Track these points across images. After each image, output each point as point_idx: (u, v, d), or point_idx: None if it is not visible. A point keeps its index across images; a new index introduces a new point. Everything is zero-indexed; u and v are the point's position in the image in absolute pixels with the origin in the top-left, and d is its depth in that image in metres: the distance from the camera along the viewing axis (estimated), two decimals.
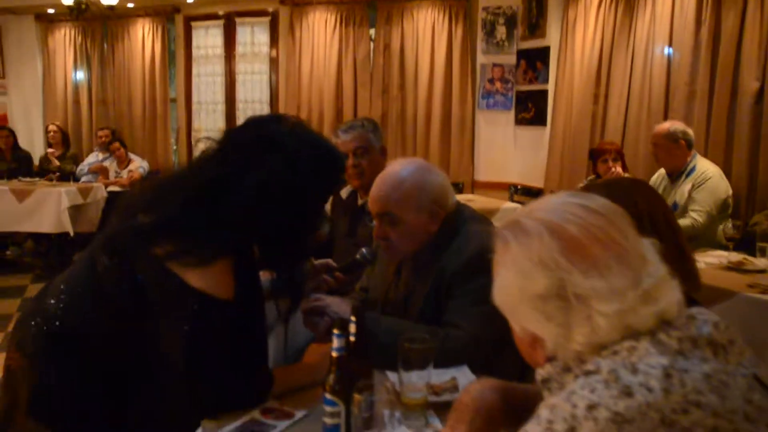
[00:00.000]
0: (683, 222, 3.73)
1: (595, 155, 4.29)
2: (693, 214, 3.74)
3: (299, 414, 1.38)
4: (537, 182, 5.81)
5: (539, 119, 5.83)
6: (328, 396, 1.20)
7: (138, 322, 1.35)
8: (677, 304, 0.85)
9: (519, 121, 6.07)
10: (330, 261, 1.94)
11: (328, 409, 1.20)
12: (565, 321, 0.84)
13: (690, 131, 3.87)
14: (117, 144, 6.68)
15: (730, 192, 3.84)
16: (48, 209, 5.64)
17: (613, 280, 0.82)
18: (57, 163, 6.57)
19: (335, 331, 1.20)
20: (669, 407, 0.72)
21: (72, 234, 5.73)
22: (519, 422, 1.10)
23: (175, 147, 7.50)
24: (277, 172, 1.34)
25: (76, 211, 5.80)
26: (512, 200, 5.64)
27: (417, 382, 1.48)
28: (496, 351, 1.82)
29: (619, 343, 0.81)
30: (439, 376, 1.53)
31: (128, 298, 1.35)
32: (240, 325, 1.38)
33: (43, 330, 1.40)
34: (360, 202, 2.84)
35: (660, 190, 4.08)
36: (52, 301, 1.42)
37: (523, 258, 0.87)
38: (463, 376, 1.58)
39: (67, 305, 1.41)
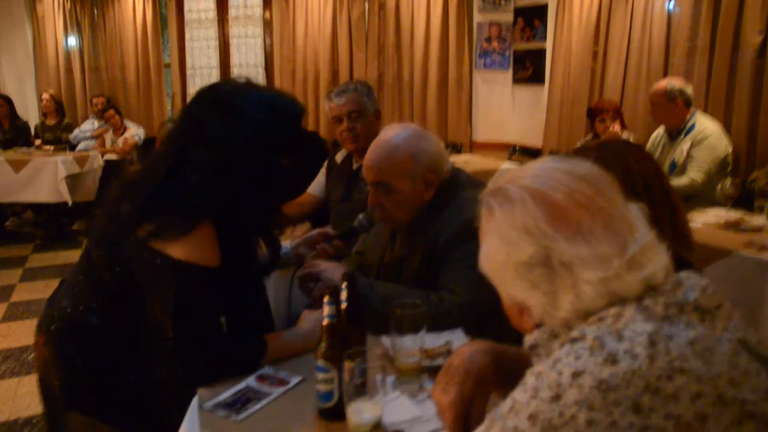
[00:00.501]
0: (682, 181, 3.71)
1: (593, 114, 4.25)
2: (691, 173, 3.72)
3: (294, 380, 1.39)
4: (535, 142, 5.77)
5: (537, 78, 5.76)
6: (319, 363, 1.20)
7: (132, 303, 1.39)
8: (664, 270, 0.84)
9: (517, 81, 5.99)
10: (328, 229, 1.94)
11: (320, 375, 1.21)
12: (550, 289, 0.83)
13: (688, 89, 3.82)
14: (112, 111, 6.61)
15: (730, 150, 3.80)
16: (45, 179, 5.63)
17: (598, 247, 0.81)
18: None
19: (326, 299, 1.20)
20: (654, 374, 0.72)
21: (70, 203, 5.73)
22: (510, 385, 1.11)
23: (170, 113, 7.44)
24: (229, 131, 1.37)
25: (73, 180, 5.79)
26: (510, 160, 5.60)
27: (410, 346, 1.50)
28: (492, 314, 1.84)
29: (605, 310, 0.81)
30: (434, 341, 1.54)
31: (120, 282, 1.40)
32: (230, 292, 1.41)
33: (61, 328, 1.47)
34: (355, 166, 2.82)
35: (659, 149, 4.05)
36: (64, 302, 1.49)
37: (507, 226, 0.86)
38: (458, 340, 1.59)
39: (76, 300, 1.47)
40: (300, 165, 1.56)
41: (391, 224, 1.89)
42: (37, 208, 6.16)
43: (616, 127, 4.15)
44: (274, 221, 1.59)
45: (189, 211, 1.34)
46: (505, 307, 0.96)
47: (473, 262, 1.72)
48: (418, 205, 1.80)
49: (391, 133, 1.82)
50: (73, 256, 5.59)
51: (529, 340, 0.92)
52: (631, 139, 4.20)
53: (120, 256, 1.38)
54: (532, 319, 0.89)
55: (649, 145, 4.16)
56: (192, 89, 7.31)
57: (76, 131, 6.75)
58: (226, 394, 1.33)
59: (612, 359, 0.73)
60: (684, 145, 3.83)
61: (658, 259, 0.84)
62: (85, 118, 7.18)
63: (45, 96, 6.67)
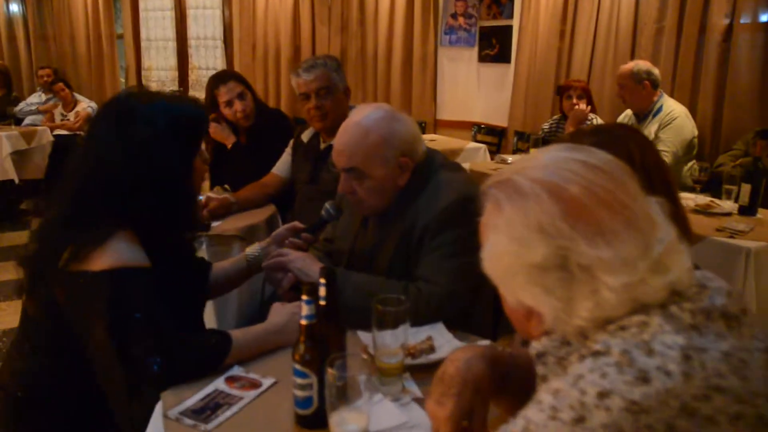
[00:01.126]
0: None
1: (561, 91, 4.23)
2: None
3: (266, 382, 1.29)
4: (501, 121, 5.72)
5: (503, 56, 5.68)
6: (298, 367, 1.10)
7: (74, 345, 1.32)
8: (688, 273, 0.76)
9: (482, 58, 5.90)
10: (296, 223, 1.82)
11: (298, 380, 1.11)
12: (566, 294, 0.75)
13: (655, 71, 3.81)
14: (61, 84, 6.25)
15: (696, 132, 3.82)
16: None
17: (621, 248, 0.72)
18: None
19: (304, 297, 1.09)
20: (689, 393, 0.64)
21: (17, 181, 5.44)
22: (508, 392, 1.04)
23: (124, 87, 7.13)
24: (133, 139, 1.35)
25: (20, 156, 5.50)
26: (475, 140, 5.54)
27: (391, 344, 1.41)
28: (470, 306, 1.76)
29: (628, 318, 0.73)
30: (414, 335, 1.46)
31: (56, 323, 1.35)
32: (170, 290, 1.35)
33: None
34: (323, 145, 2.70)
35: None
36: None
37: (518, 223, 0.77)
38: (439, 334, 1.51)
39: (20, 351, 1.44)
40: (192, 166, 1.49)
41: (363, 211, 1.79)
42: None
43: (582, 105, 4.12)
44: (191, 216, 1.52)
45: (97, 225, 1.31)
46: (509, 311, 0.87)
47: (453, 250, 1.67)
48: (392, 190, 1.71)
49: (362, 114, 1.70)
50: (20, 237, 5.32)
51: (536, 347, 0.84)
52: (597, 122, 4.19)
53: (50, 297, 1.32)
54: (541, 326, 0.81)
55: None
56: (147, 62, 7.01)
57: (21, 104, 6.39)
58: (193, 399, 1.22)
59: (643, 377, 0.65)
60: (652, 127, 3.83)
61: (681, 261, 0.76)
62: (32, 91, 6.79)
63: None
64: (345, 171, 1.69)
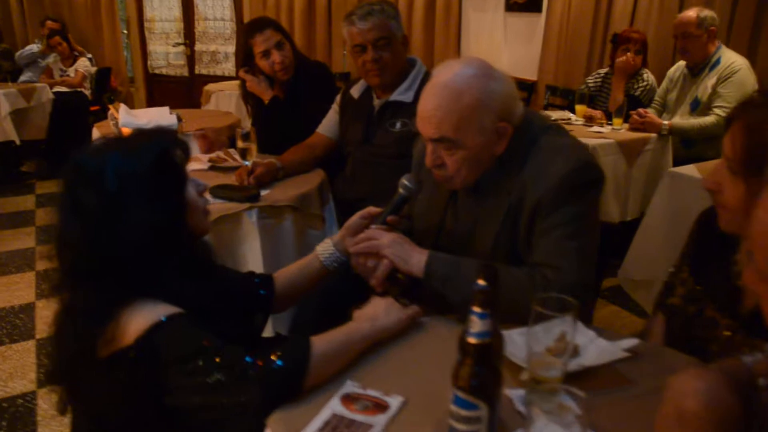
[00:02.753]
0: (707, 120, 3.45)
1: (619, 41, 3.87)
2: (718, 111, 3.45)
3: (393, 402, 1.04)
4: (530, 75, 5.39)
5: (534, 5, 5.31)
6: (462, 395, 0.85)
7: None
8: None
9: (510, 7, 5.53)
10: (371, 208, 1.54)
11: (462, 412, 0.86)
12: None
13: (717, 20, 3.51)
14: (57, 38, 5.86)
15: (757, 87, 3.53)
16: None
17: None
18: None
19: (477, 309, 0.83)
20: None
21: (18, 142, 5.12)
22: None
23: (126, 41, 6.71)
24: (89, 213, 1.10)
25: (19, 116, 5.16)
26: None
27: (520, 345, 1.19)
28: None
29: None
30: (544, 335, 1.21)
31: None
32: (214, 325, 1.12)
33: None
34: (377, 102, 2.40)
35: (678, 86, 3.76)
36: None
37: None
38: (571, 330, 1.27)
39: None
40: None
41: (450, 186, 1.51)
42: None
43: (637, 61, 3.80)
44: (186, 239, 1.23)
45: (104, 299, 1.09)
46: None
47: (577, 229, 1.38)
48: (487, 161, 1.44)
49: (450, 73, 1.40)
50: (25, 202, 5.03)
51: None
52: (652, 84, 3.89)
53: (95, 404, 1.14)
54: None
55: (665, 83, 3.86)
56: (150, 13, 6.58)
57: (21, 51, 5.97)
58: (310, 429, 0.97)
59: None
60: (709, 81, 3.55)
61: None
62: (26, 44, 6.36)
63: None
64: (433, 141, 1.42)
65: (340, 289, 1.69)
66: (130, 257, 1.09)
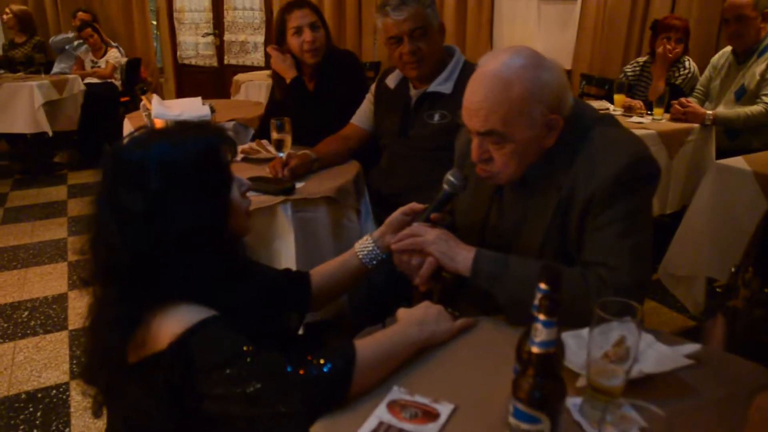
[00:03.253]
0: (754, 109, 3.32)
1: (659, 29, 3.73)
2: (766, 99, 3.31)
3: (444, 409, 0.99)
4: (564, 63, 5.23)
5: None
6: (523, 408, 0.79)
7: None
8: None
9: None
10: (414, 204, 1.48)
11: (522, 426, 0.80)
12: None
13: None
14: (89, 30, 5.89)
15: None
16: (20, 107, 5.03)
17: None
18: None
19: (541, 317, 0.77)
20: None
21: (50, 133, 5.16)
22: None
23: (156, 32, 6.72)
24: (129, 213, 1.04)
25: (52, 107, 5.19)
26: None
27: (576, 350, 1.13)
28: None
29: None
30: (602, 338, 1.15)
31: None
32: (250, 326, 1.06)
33: None
34: (413, 92, 2.33)
35: (722, 72, 3.62)
36: None
37: None
38: (632, 334, 1.20)
39: None
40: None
41: (496, 181, 1.44)
42: (12, 138, 5.56)
43: (678, 50, 3.67)
44: (226, 241, 1.17)
45: (136, 300, 1.05)
46: None
47: (631, 226, 1.30)
48: (536, 155, 1.37)
49: (498, 62, 1.32)
50: (57, 192, 5.08)
51: None
52: (695, 72, 3.75)
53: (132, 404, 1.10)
54: None
55: (709, 70, 3.73)
56: (179, 4, 6.57)
57: (54, 36, 6.01)
58: None
59: None
60: (757, 68, 3.41)
61: None
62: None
63: (7, 12, 5.87)
64: (480, 135, 1.35)
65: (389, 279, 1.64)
66: (168, 258, 1.04)
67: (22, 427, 2.28)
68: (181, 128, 1.14)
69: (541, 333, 0.78)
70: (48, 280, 3.49)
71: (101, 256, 1.07)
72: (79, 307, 3.17)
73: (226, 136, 1.14)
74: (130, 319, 1.03)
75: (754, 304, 1.24)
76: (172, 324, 1.01)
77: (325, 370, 0.98)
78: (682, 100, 3.42)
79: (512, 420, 0.81)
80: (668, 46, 3.65)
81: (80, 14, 6.10)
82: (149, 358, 1.02)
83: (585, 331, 1.02)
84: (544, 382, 0.78)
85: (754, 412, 0.74)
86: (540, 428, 0.79)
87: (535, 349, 0.79)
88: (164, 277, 1.05)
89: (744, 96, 3.46)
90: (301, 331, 1.61)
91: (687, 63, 3.76)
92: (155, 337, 1.02)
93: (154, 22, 6.84)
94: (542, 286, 0.81)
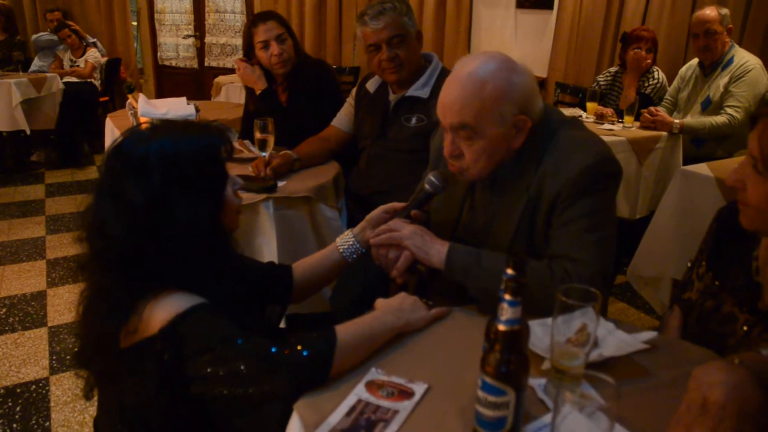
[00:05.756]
0: (718, 119, 3.46)
1: (630, 40, 3.87)
2: (730, 110, 3.47)
3: (418, 389, 1.06)
4: (540, 72, 5.39)
5: (545, 2, 5.31)
6: (490, 381, 0.87)
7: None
8: None
9: (521, 4, 5.53)
10: (395, 203, 1.56)
11: (489, 397, 0.87)
12: None
13: None
14: (66, 31, 5.86)
15: None
16: None
17: None
18: None
19: (507, 297, 0.85)
20: None
21: (28, 132, 5.14)
22: None
23: (136, 33, 6.72)
24: (130, 206, 1.09)
25: (30, 105, 5.18)
26: None
27: (542, 337, 1.21)
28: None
29: None
30: (565, 326, 1.23)
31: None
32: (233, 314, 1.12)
33: None
34: (392, 97, 2.41)
35: (690, 85, 3.77)
36: None
37: None
38: (593, 319, 1.28)
39: None
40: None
41: (465, 177, 1.53)
42: None
43: (648, 60, 3.81)
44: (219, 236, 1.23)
45: (130, 289, 1.10)
46: None
47: (595, 222, 1.39)
48: (503, 154, 1.45)
49: (474, 64, 1.42)
50: (34, 191, 5.06)
51: None
52: (663, 82, 3.90)
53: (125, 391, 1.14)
54: None
55: (677, 81, 3.87)
56: (160, 5, 6.58)
57: (38, 35, 5.97)
58: (337, 415, 0.99)
59: None
60: (721, 80, 3.56)
61: None
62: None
63: None
64: (453, 129, 1.43)
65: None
66: (164, 250, 1.09)
67: (1, 421, 2.30)
68: (184, 126, 1.19)
69: (507, 312, 0.85)
70: (26, 278, 3.49)
71: (98, 246, 1.12)
72: (58, 305, 3.18)
73: (226, 137, 1.20)
74: (123, 307, 1.08)
75: (706, 296, 1.33)
76: (163, 311, 1.06)
77: (307, 351, 1.05)
78: (652, 109, 3.55)
79: (480, 393, 0.89)
80: (642, 54, 3.79)
81: (49, 15, 6.08)
82: (140, 342, 1.07)
83: (550, 320, 1.10)
84: (509, 356, 0.86)
85: (690, 381, 0.82)
86: (506, 400, 0.87)
87: (501, 327, 0.86)
88: (159, 268, 1.10)
89: (709, 107, 3.61)
90: (283, 325, 1.67)
91: (656, 73, 3.90)
92: (146, 324, 1.07)
93: (135, 23, 6.83)
94: (508, 271, 0.89)
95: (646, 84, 3.88)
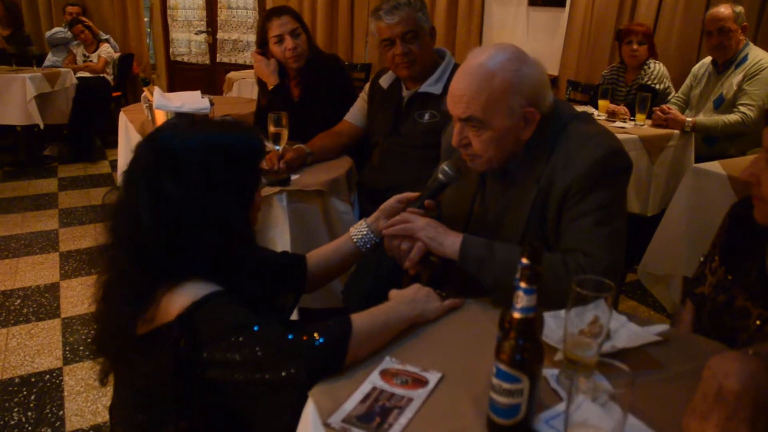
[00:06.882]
0: (731, 117, 3.44)
1: (621, 37, 3.92)
2: (743, 108, 3.44)
3: (432, 377, 1.07)
4: (551, 70, 5.37)
5: (557, 0, 5.31)
6: (504, 368, 0.88)
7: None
8: None
9: (533, 2, 5.52)
10: (409, 193, 1.57)
11: (504, 384, 0.89)
12: None
13: None
14: (80, 26, 5.91)
15: None
16: (12, 99, 5.05)
17: None
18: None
19: (523, 285, 0.86)
20: None
21: (42, 126, 5.18)
22: None
23: (148, 29, 6.76)
24: (166, 199, 1.11)
25: (43, 100, 5.22)
26: None
27: (555, 329, 1.22)
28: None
29: None
30: (578, 318, 1.24)
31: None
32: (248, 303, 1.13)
33: None
34: (406, 93, 2.42)
35: (702, 82, 3.75)
36: None
37: None
38: (603, 313, 1.29)
39: None
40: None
41: (475, 167, 1.53)
42: (2, 130, 5.57)
43: (641, 52, 3.83)
44: (246, 248, 1.25)
45: (151, 278, 1.12)
46: None
47: (606, 215, 1.40)
48: (512, 145, 1.46)
49: (485, 56, 1.43)
50: (47, 185, 5.11)
51: None
52: (662, 70, 3.90)
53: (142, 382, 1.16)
54: None
55: (689, 79, 3.86)
56: (172, 1, 6.62)
57: (51, 32, 6.01)
58: (352, 402, 1.00)
59: None
60: (734, 78, 3.54)
61: None
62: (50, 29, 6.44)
63: None
64: (462, 120, 1.44)
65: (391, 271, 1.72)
66: (192, 242, 1.11)
67: (16, 409, 2.33)
68: (222, 124, 1.20)
69: (522, 300, 0.86)
70: (40, 270, 3.53)
71: (125, 233, 1.13)
72: (71, 296, 3.21)
73: (261, 139, 1.22)
74: (143, 295, 1.10)
75: (719, 290, 1.33)
76: (181, 298, 1.08)
77: (323, 338, 1.06)
78: (664, 107, 3.55)
79: (495, 380, 0.90)
80: (634, 47, 3.82)
81: (69, 8, 6.12)
82: (157, 329, 1.09)
83: (563, 312, 1.11)
84: (524, 344, 0.87)
85: (706, 370, 0.83)
86: (520, 387, 0.88)
87: (516, 315, 0.87)
88: (185, 258, 1.11)
89: (722, 105, 3.59)
90: (295, 316, 1.69)
91: (652, 64, 3.91)
92: (164, 312, 1.08)
93: (147, 19, 6.87)
94: (524, 260, 0.90)
95: (643, 74, 3.90)
